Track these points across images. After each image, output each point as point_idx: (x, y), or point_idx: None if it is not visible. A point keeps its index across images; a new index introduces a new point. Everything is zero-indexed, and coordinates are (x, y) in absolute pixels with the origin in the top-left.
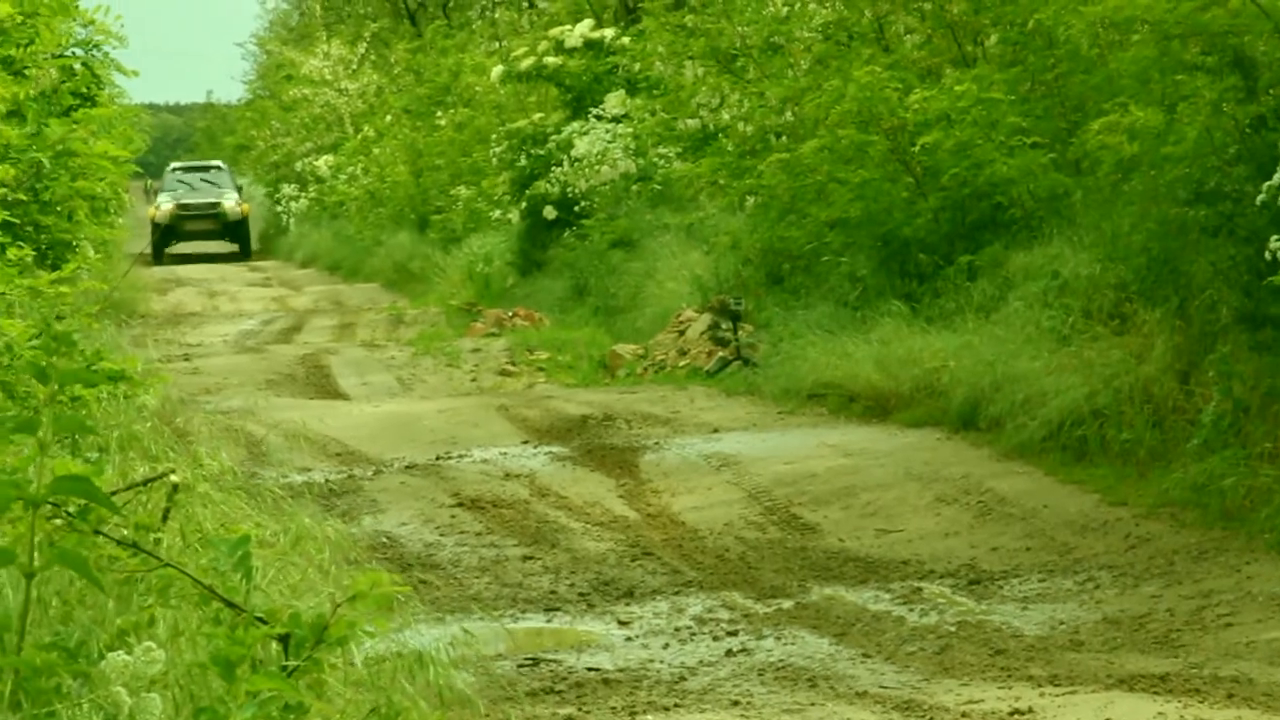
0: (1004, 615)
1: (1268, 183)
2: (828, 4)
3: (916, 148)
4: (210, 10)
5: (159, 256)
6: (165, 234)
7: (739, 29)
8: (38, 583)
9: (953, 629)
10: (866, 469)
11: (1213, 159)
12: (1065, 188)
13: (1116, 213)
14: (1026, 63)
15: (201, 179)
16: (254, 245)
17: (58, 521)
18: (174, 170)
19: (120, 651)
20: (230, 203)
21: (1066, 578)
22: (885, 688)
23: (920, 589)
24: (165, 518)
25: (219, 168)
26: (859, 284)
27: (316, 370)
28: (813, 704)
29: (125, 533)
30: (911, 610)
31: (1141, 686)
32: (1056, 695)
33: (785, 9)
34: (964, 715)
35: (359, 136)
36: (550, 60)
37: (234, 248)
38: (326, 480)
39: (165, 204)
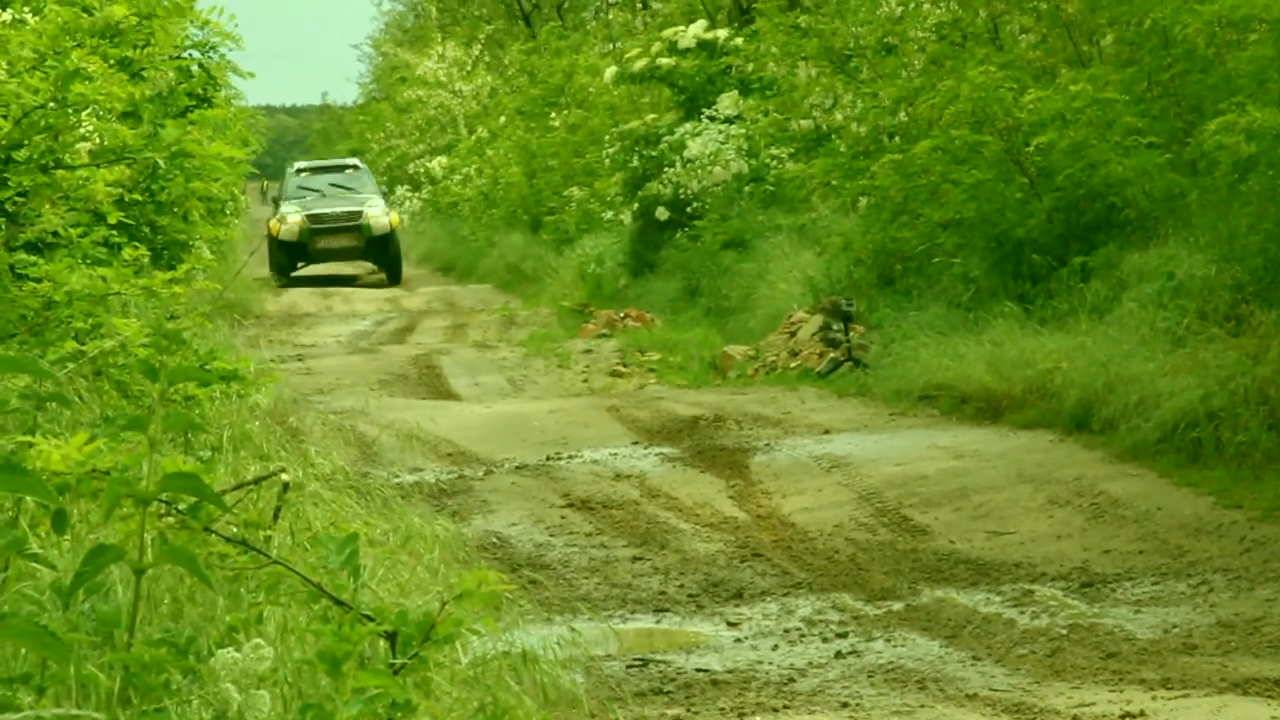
0: (1116, 618)
1: None
2: (942, 4)
3: (1031, 148)
4: (325, 12)
5: (282, 275)
6: (292, 253)
7: (853, 29)
8: (148, 579)
9: (1064, 632)
10: (978, 471)
11: None
12: (1181, 188)
13: (1233, 213)
14: (1142, 62)
15: (333, 183)
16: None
17: (169, 519)
18: (299, 171)
19: (229, 648)
20: (375, 212)
21: (1180, 581)
22: (996, 690)
23: (1032, 591)
24: (276, 516)
25: (356, 167)
26: (971, 285)
27: (428, 370)
28: (922, 706)
29: (235, 530)
30: (1023, 613)
31: (1256, 690)
32: (1169, 699)
33: (899, 9)
34: (1075, 718)
35: (473, 138)
36: (664, 61)
37: (380, 273)
38: (437, 480)
39: (292, 216)
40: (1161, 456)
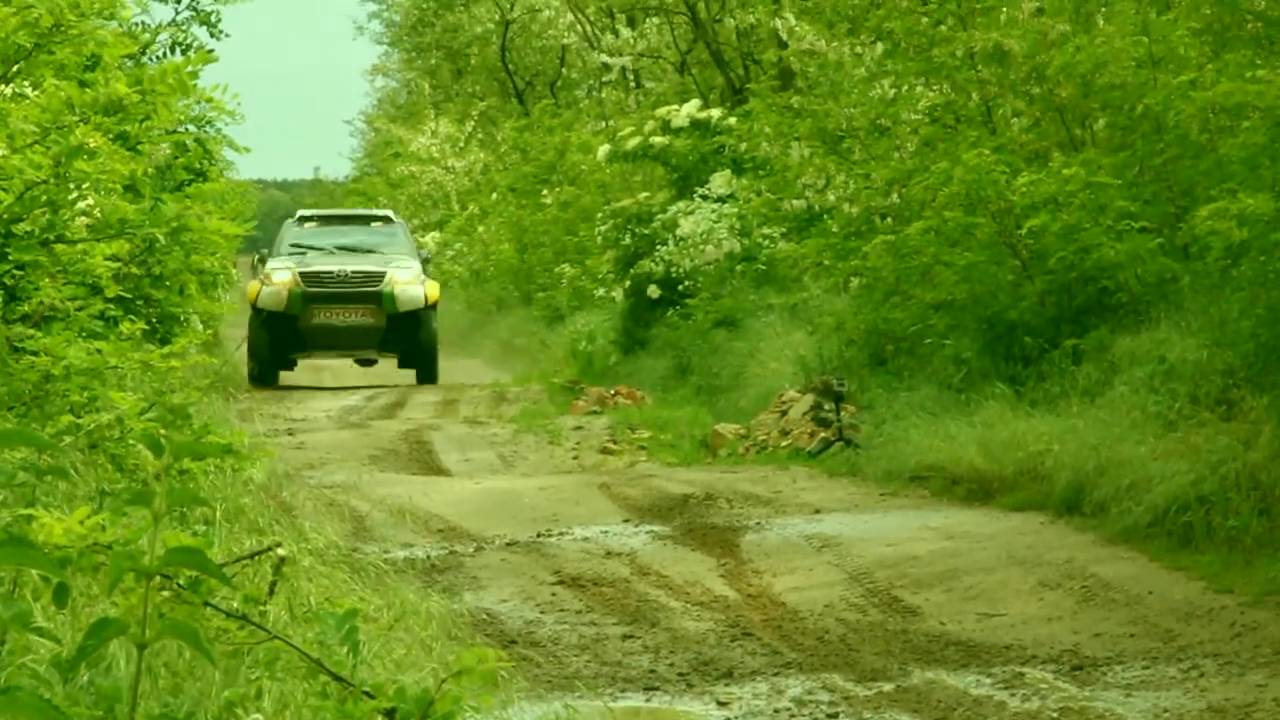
0: (1107, 702)
1: None
2: (935, 87)
3: (1023, 231)
4: (318, 88)
5: (263, 377)
6: (277, 332)
7: (845, 110)
8: (149, 655)
9: (1055, 715)
10: (969, 552)
11: None
12: (1173, 273)
13: (1225, 299)
14: (1135, 147)
15: (346, 244)
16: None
17: (166, 593)
18: (302, 221)
19: None
20: (404, 276)
21: (1170, 665)
22: None
23: (1022, 674)
24: (272, 591)
25: (388, 219)
26: (963, 366)
27: (419, 446)
28: None
29: (234, 605)
30: (1014, 695)
31: None
32: None
33: (892, 91)
34: None
35: (465, 214)
36: (656, 140)
37: (401, 365)
38: (428, 556)
39: (279, 274)
40: (1152, 540)
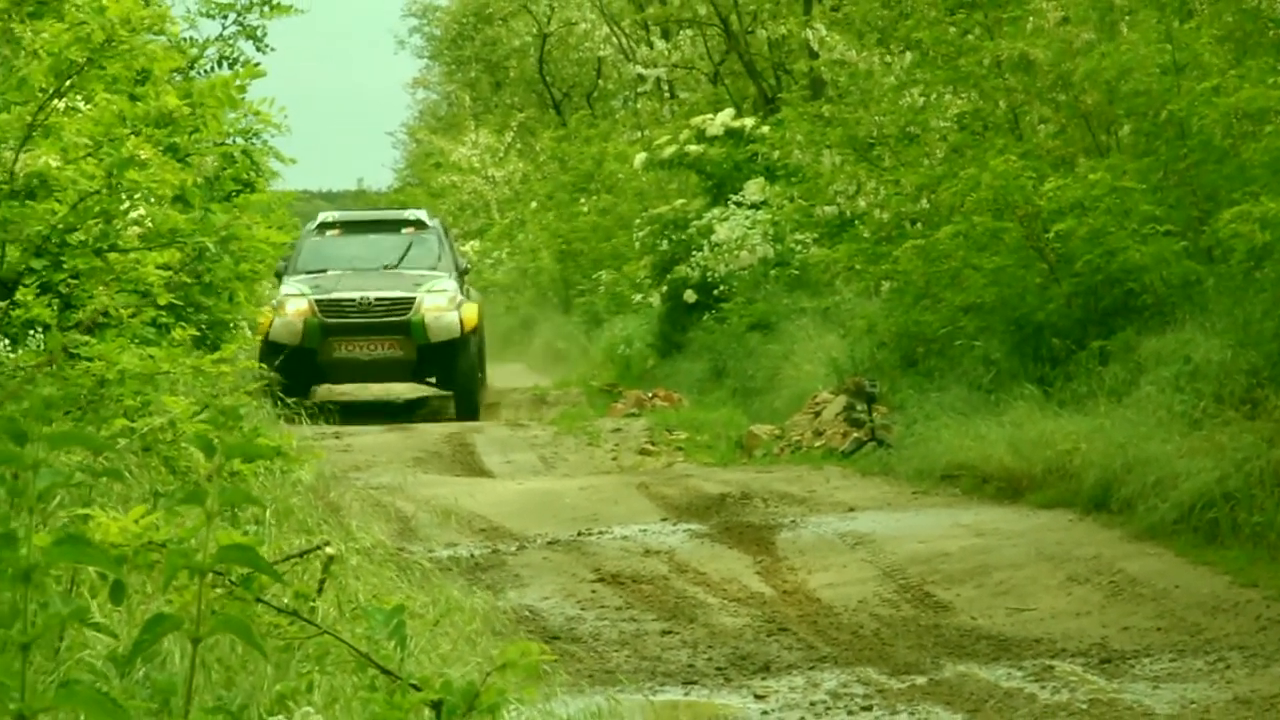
0: (1135, 694)
1: None
2: (963, 95)
3: (1050, 235)
4: (361, 101)
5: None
6: (292, 366)
7: (875, 119)
8: (203, 649)
9: (1084, 707)
10: (999, 549)
11: None
12: (1197, 275)
13: (1248, 300)
14: (1159, 152)
15: (374, 255)
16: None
17: (219, 590)
18: (321, 228)
19: (280, 716)
20: (437, 301)
21: (1197, 658)
22: None
23: (1052, 667)
24: (321, 588)
25: (421, 224)
26: (992, 367)
27: (462, 448)
28: None
29: (285, 601)
30: (1043, 688)
31: None
32: None
33: (921, 99)
34: None
35: (505, 222)
36: (691, 148)
37: (436, 393)
38: (472, 555)
39: (294, 301)
40: (1179, 536)
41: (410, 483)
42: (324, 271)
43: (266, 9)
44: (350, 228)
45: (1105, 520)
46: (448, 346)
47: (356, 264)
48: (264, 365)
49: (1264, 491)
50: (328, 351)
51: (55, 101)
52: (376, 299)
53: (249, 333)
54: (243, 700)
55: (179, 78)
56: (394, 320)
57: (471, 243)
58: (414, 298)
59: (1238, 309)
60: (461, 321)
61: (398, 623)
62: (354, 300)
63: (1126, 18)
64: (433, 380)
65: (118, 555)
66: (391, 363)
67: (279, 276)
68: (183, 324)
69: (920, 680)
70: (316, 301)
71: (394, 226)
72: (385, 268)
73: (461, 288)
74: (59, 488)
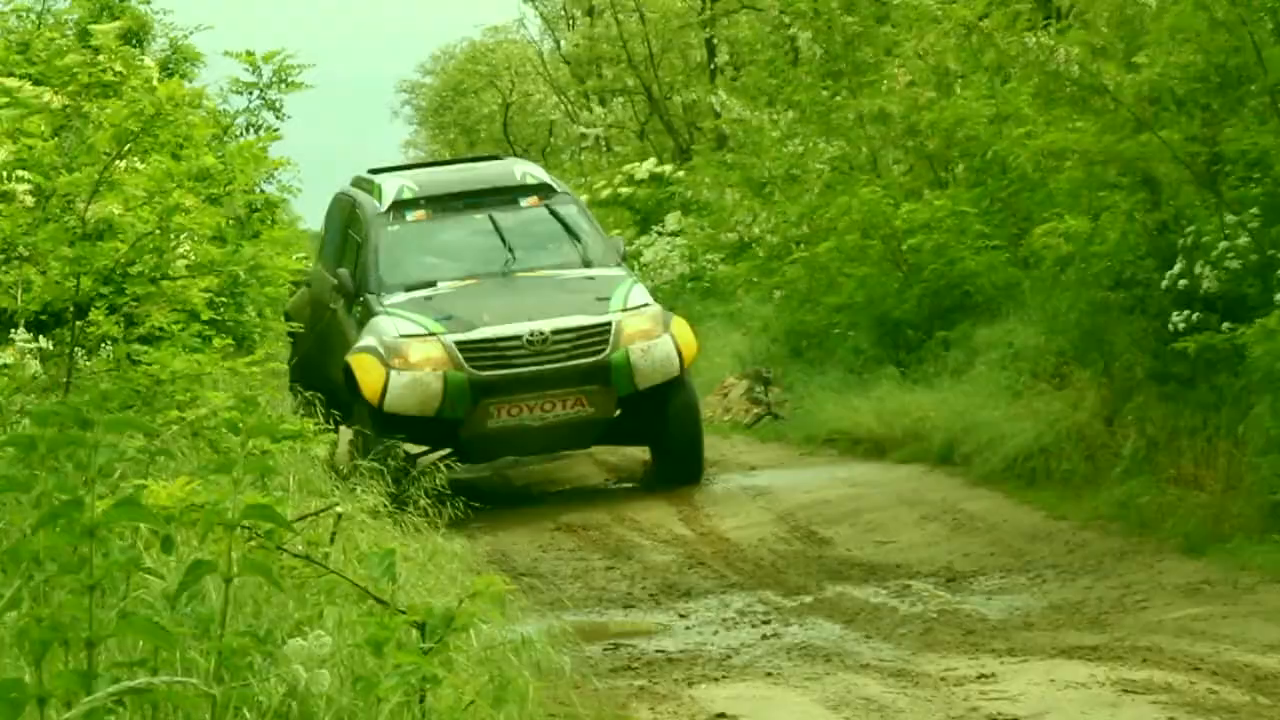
0: (973, 605)
1: (1169, 272)
2: (833, 143)
3: (905, 249)
4: (364, 158)
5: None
6: (425, 445)
7: (766, 163)
8: (234, 587)
9: (934, 616)
10: (868, 495)
11: (1128, 255)
12: (1017, 279)
13: (1056, 297)
14: (986, 184)
15: (490, 234)
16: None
17: (250, 541)
18: (399, 209)
19: (297, 638)
20: (641, 324)
21: (1021, 575)
22: (883, 660)
23: (909, 586)
24: (332, 539)
25: (547, 187)
26: (861, 355)
27: None
28: (828, 674)
29: (301, 549)
30: (903, 602)
31: (1078, 655)
32: (1013, 663)
33: (800, 147)
34: (942, 679)
35: None
36: (623, 189)
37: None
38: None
39: (419, 346)
40: (1006, 482)
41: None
42: (432, 285)
43: (283, 86)
44: (442, 205)
45: (949, 471)
46: (659, 393)
47: (479, 266)
48: (374, 448)
49: (1070, 445)
50: (479, 422)
51: (117, 162)
52: (555, 332)
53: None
54: (267, 627)
55: (215, 141)
56: (584, 364)
57: None
58: (608, 323)
59: (1048, 304)
60: (680, 351)
61: (390, 564)
62: (518, 339)
63: (960, 80)
64: (630, 446)
65: (166, 515)
66: (575, 427)
67: (345, 295)
68: (221, 335)
69: (808, 599)
70: (459, 344)
71: (509, 196)
72: (531, 267)
73: (648, 294)
74: (116, 463)
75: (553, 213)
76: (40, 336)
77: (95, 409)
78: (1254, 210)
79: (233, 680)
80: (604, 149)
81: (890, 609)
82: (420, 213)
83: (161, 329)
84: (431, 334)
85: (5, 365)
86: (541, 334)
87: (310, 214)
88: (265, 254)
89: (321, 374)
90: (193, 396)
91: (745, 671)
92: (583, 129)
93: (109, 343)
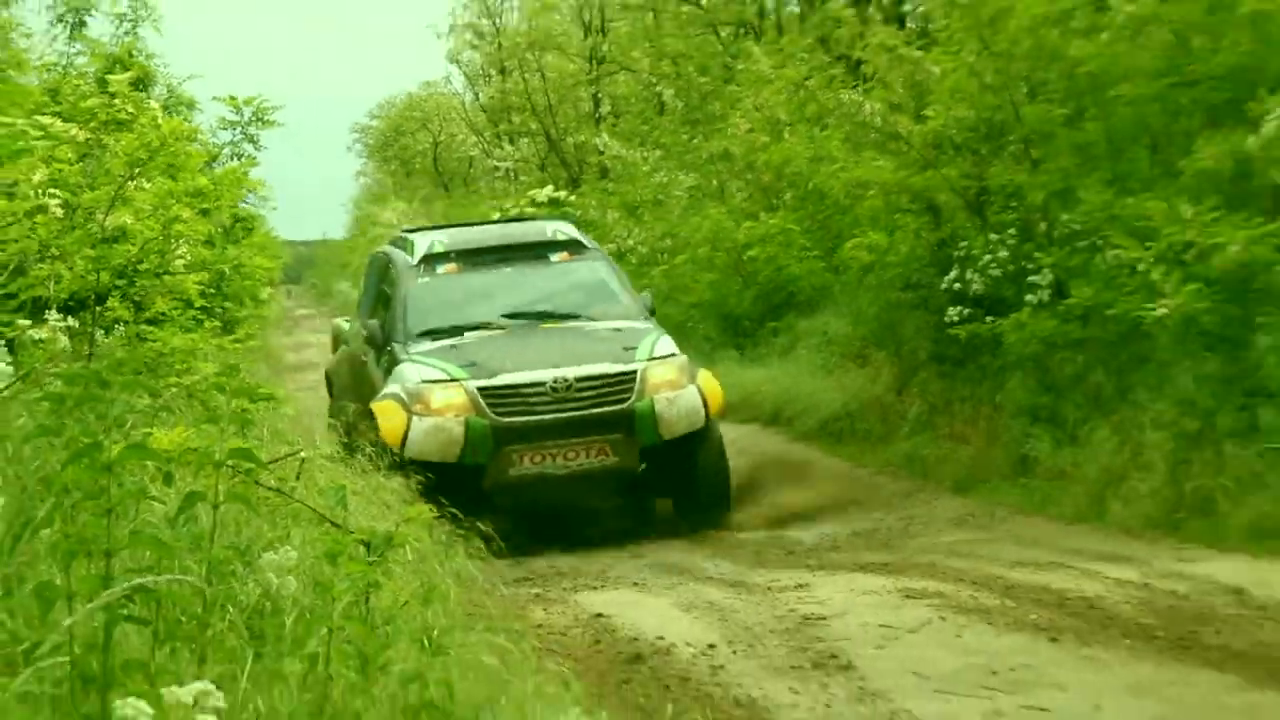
0: (793, 533)
1: (946, 277)
2: (690, 176)
3: (745, 259)
4: (324, 180)
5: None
6: (447, 495)
7: (638, 191)
8: (220, 512)
9: (763, 540)
10: None
11: (915, 264)
12: (830, 282)
13: (859, 296)
14: (808, 208)
15: (519, 288)
16: None
17: (233, 477)
18: (429, 263)
19: (270, 552)
20: (666, 374)
21: (830, 510)
22: (723, 574)
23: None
24: (298, 477)
25: (577, 244)
26: (710, 341)
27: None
28: (681, 584)
29: (274, 483)
30: (740, 531)
31: (872, 570)
32: (823, 575)
33: (665, 178)
34: (768, 588)
35: None
36: (528, 209)
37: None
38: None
39: (441, 393)
40: (820, 438)
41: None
42: (458, 334)
43: (260, 124)
44: (473, 259)
45: (777, 429)
46: (687, 443)
47: (506, 316)
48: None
49: (869, 410)
50: (501, 469)
51: (129, 183)
52: (579, 379)
53: (255, 325)
54: (246, 543)
55: (205, 167)
56: (608, 411)
57: None
58: (633, 371)
59: (853, 302)
60: (705, 401)
61: (342, 496)
62: (543, 385)
63: (788, 127)
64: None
65: (168, 456)
66: (599, 477)
67: (374, 345)
68: (210, 319)
69: (666, 529)
70: (481, 390)
71: (539, 252)
72: (558, 318)
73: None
74: (128, 415)
75: (580, 270)
76: (68, 318)
77: (112, 374)
78: (1011, 231)
79: (219, 584)
80: (513, 178)
81: (730, 536)
82: (451, 265)
83: (163, 313)
84: (454, 380)
85: (41, 340)
86: (566, 381)
87: (281, 226)
88: (245, 255)
89: (358, 429)
90: (188, 366)
91: (618, 582)
92: (495, 163)
93: (122, 324)
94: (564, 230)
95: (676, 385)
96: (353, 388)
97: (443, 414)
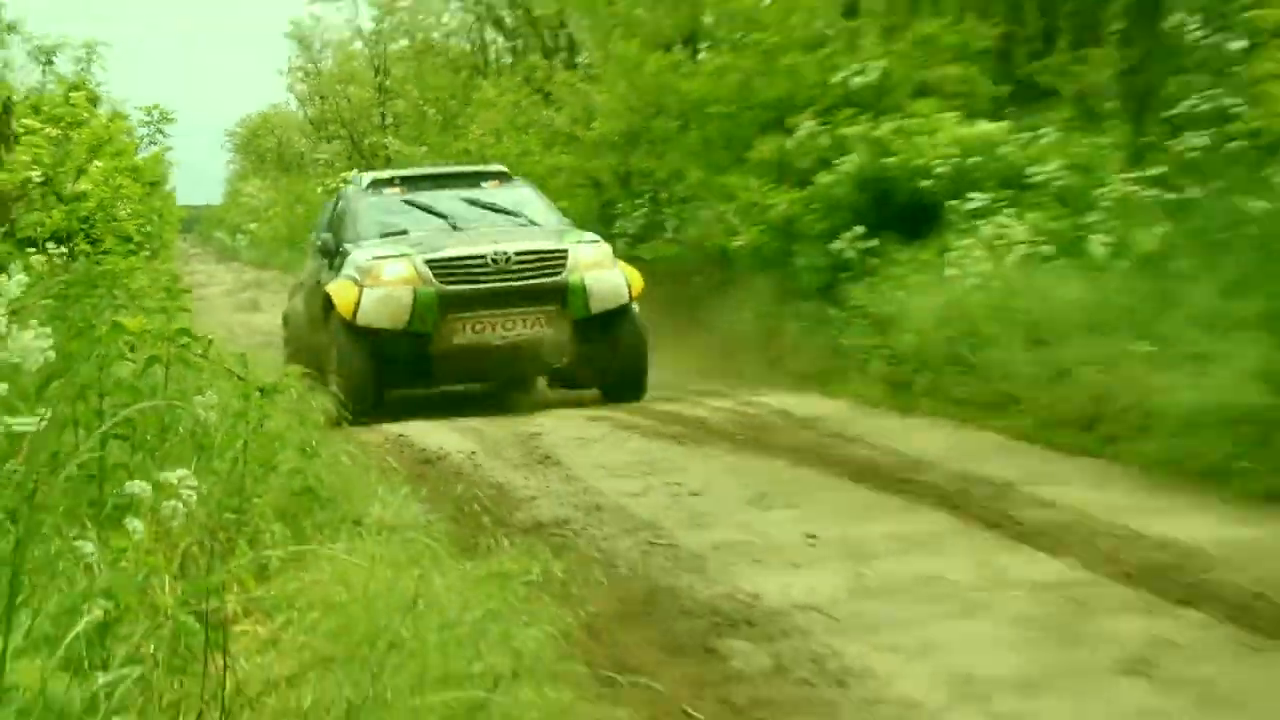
0: (539, 390)
1: (609, 228)
2: (448, 163)
3: None
4: (209, 162)
5: (366, 414)
6: (395, 362)
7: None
8: (167, 374)
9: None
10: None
11: (589, 218)
12: None
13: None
14: None
15: (458, 205)
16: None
17: (175, 347)
18: (377, 186)
19: (198, 395)
20: (592, 253)
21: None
22: (487, 415)
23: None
24: (205, 352)
25: (505, 175)
26: None
27: (250, 303)
28: (457, 417)
29: (200, 352)
30: (508, 391)
31: (569, 405)
32: (552, 418)
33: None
34: (515, 420)
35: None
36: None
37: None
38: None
39: (392, 267)
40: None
41: (241, 324)
42: (404, 233)
43: (165, 122)
44: (415, 184)
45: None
46: (611, 319)
47: (457, 218)
48: (343, 366)
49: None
50: (446, 336)
51: (87, 164)
52: (518, 253)
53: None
54: (184, 390)
55: (138, 153)
56: (544, 283)
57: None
58: (565, 249)
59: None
60: (629, 283)
61: (245, 360)
62: (483, 257)
63: (506, 133)
64: (584, 374)
65: (135, 331)
66: (535, 347)
67: (327, 254)
68: (142, 248)
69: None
70: (428, 262)
71: (473, 180)
72: (496, 212)
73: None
74: (103, 310)
75: (512, 192)
76: (61, 246)
77: (83, 285)
78: (647, 196)
79: (169, 413)
80: (331, 166)
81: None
82: (396, 189)
83: (112, 248)
84: (404, 255)
85: (37, 265)
86: (505, 254)
87: (180, 191)
88: (162, 207)
89: (310, 346)
90: (128, 282)
91: (416, 417)
92: (318, 156)
93: (84, 255)
94: (494, 167)
95: (603, 266)
96: (306, 312)
97: (393, 285)
